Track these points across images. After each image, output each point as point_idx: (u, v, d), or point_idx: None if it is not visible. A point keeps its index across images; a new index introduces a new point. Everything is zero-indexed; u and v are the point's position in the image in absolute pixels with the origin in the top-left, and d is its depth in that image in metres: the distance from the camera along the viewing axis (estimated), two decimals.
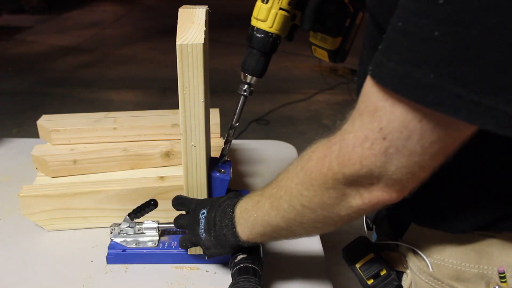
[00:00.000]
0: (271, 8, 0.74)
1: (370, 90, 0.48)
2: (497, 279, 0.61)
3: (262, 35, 0.76)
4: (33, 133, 1.10)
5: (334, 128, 0.53)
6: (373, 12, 0.60)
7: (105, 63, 4.80)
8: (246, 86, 0.80)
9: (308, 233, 0.63)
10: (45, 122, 1.04)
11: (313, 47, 0.86)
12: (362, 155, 0.49)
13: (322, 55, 0.86)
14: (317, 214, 0.57)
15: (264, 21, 0.75)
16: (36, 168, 1.00)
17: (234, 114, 0.82)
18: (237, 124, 0.83)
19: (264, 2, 0.74)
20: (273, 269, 0.82)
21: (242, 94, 0.81)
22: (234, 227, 0.68)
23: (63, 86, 4.14)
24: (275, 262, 0.84)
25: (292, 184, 0.59)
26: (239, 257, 0.73)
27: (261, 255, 0.75)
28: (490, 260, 0.61)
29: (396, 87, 0.44)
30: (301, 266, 0.84)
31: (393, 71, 0.44)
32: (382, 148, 0.47)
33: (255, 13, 0.76)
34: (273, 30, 0.76)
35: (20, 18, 6.68)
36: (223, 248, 0.71)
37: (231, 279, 0.72)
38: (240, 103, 0.82)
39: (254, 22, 0.76)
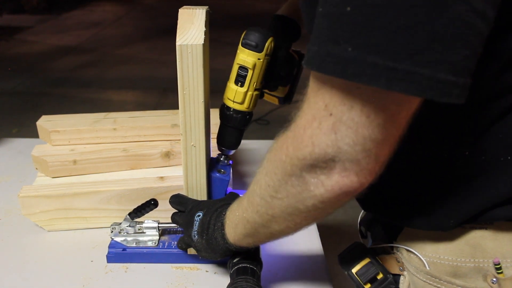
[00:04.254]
0: (247, 91, 0.76)
1: (310, 77, 0.49)
2: (494, 271, 0.61)
3: (240, 115, 0.79)
4: (33, 133, 1.10)
5: (292, 119, 0.54)
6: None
7: (105, 63, 4.80)
8: (223, 156, 0.84)
9: (283, 230, 0.62)
10: (44, 122, 1.04)
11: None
12: (312, 135, 0.49)
13: (272, 100, 0.90)
14: (285, 204, 0.57)
15: (241, 103, 0.77)
16: (36, 168, 1.00)
17: None
18: None
19: (239, 86, 0.76)
20: (273, 270, 0.82)
21: (221, 164, 0.85)
22: (223, 229, 0.69)
23: (63, 86, 4.14)
24: (275, 263, 0.84)
25: (261, 176, 0.60)
26: (238, 257, 0.73)
27: (260, 256, 0.75)
28: (485, 253, 0.61)
29: (320, 67, 0.45)
30: (301, 266, 0.84)
31: (316, 53, 0.45)
32: (330, 124, 0.47)
33: (230, 95, 0.77)
34: (249, 109, 0.79)
35: (20, 18, 6.68)
36: (214, 252, 0.71)
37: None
38: None
39: (229, 104, 0.78)
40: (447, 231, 0.63)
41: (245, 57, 0.74)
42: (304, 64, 0.47)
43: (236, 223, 0.66)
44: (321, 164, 0.50)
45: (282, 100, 0.90)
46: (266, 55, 0.75)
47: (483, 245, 0.62)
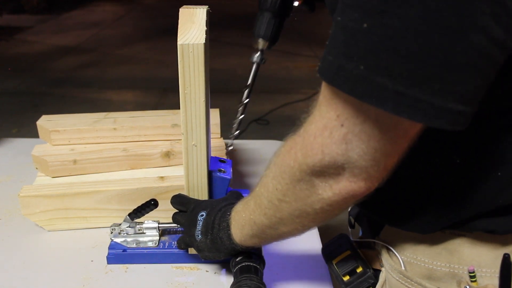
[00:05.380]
0: None
1: (323, 84, 0.49)
2: (468, 279, 0.61)
3: None
4: (33, 133, 1.10)
5: (300, 123, 0.54)
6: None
7: (105, 63, 4.80)
8: (258, 53, 0.78)
9: (290, 231, 0.63)
10: (45, 122, 1.04)
11: None
12: (323, 144, 0.49)
13: None
14: (293, 207, 0.57)
15: None
16: (36, 168, 1.00)
17: (246, 85, 0.79)
18: (250, 94, 0.79)
19: None
20: (273, 269, 0.82)
21: (254, 61, 0.78)
22: (229, 229, 0.69)
23: (63, 86, 4.14)
24: (275, 262, 0.84)
25: (268, 180, 0.60)
26: (241, 256, 0.73)
27: (262, 254, 0.75)
28: (461, 259, 0.61)
29: (332, 80, 0.45)
30: (301, 265, 0.84)
31: (331, 64, 0.45)
32: (341, 135, 0.48)
33: None
34: None
35: (20, 18, 6.68)
36: (218, 251, 0.71)
37: (231, 279, 0.72)
38: (252, 71, 0.79)
39: None
40: (426, 234, 0.63)
41: None
42: (318, 72, 0.47)
43: (243, 224, 0.66)
44: (330, 170, 0.51)
45: None
46: None
47: (460, 251, 0.61)
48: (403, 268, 0.65)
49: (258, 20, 0.75)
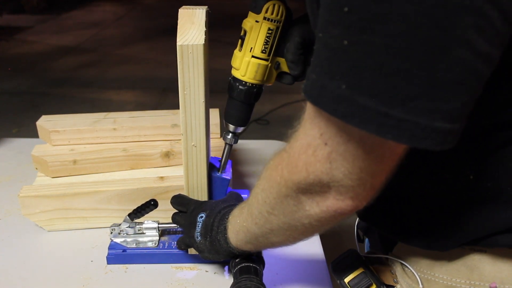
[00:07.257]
0: (243, 56, 0.71)
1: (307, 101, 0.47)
2: None
3: (237, 84, 0.74)
4: (33, 133, 1.10)
5: (287, 137, 0.53)
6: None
7: (105, 63, 4.79)
8: (230, 135, 0.79)
9: (282, 241, 0.63)
10: (44, 122, 1.04)
11: None
12: (307, 162, 0.48)
13: None
14: (282, 221, 0.57)
15: (237, 69, 0.73)
16: (36, 168, 1.00)
17: (220, 162, 0.81)
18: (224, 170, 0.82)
19: (239, 50, 0.72)
20: (273, 270, 0.82)
21: (227, 143, 0.79)
22: (226, 233, 0.69)
23: (63, 86, 4.14)
24: (275, 263, 0.84)
25: (258, 191, 0.60)
26: (240, 256, 0.73)
27: (262, 255, 0.75)
28: (482, 276, 0.59)
29: (315, 99, 0.43)
30: (301, 266, 0.84)
31: (314, 83, 0.43)
32: (325, 154, 0.46)
33: (232, 60, 0.74)
34: (246, 79, 0.73)
35: (20, 18, 6.67)
36: (217, 253, 0.71)
37: (231, 278, 0.72)
38: (225, 151, 0.80)
39: (232, 71, 0.74)
40: (444, 251, 0.61)
41: (247, 19, 0.70)
42: (302, 90, 0.45)
43: (238, 230, 0.67)
44: (316, 188, 0.50)
45: None
46: (266, 18, 0.69)
47: (480, 268, 0.60)
48: (421, 286, 0.63)
49: (227, 105, 0.77)
